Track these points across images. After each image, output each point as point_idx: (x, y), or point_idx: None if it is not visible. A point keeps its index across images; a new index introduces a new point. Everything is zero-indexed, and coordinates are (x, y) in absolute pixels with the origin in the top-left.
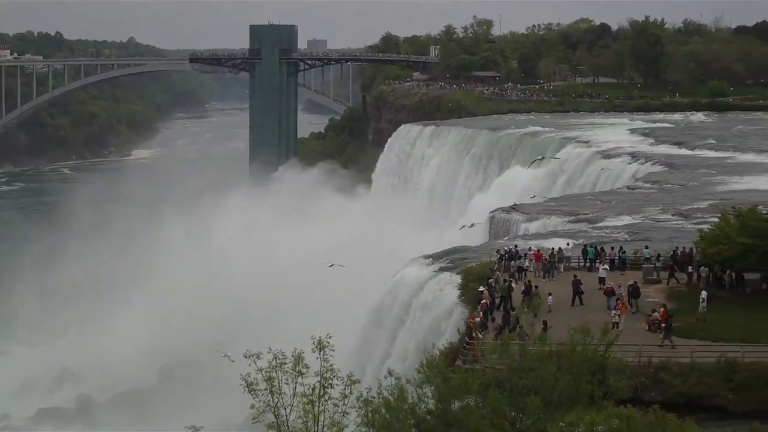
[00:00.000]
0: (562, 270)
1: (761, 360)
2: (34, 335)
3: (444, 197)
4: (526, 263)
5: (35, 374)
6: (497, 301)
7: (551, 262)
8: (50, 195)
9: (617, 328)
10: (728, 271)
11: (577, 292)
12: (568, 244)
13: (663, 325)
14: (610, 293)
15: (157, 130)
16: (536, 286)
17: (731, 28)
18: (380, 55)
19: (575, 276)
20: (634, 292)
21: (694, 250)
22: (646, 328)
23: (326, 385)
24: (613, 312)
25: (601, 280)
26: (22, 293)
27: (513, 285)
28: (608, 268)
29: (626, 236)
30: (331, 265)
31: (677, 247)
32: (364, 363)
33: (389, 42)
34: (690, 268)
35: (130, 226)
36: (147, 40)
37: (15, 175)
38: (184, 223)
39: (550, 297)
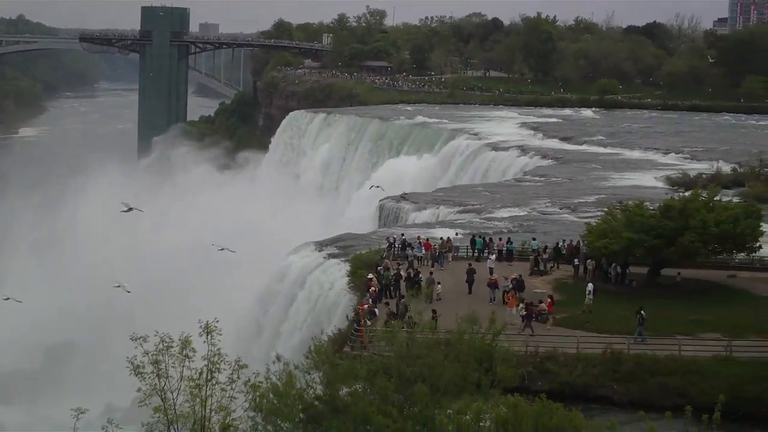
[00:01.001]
0: (450, 259)
1: (646, 352)
2: None
3: (333, 184)
4: (418, 252)
5: None
6: (385, 289)
7: (441, 252)
8: None
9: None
10: (614, 265)
11: (471, 281)
12: (456, 234)
13: (524, 313)
14: (493, 285)
15: (45, 109)
16: (431, 273)
17: (622, 28)
18: (272, 41)
19: (470, 264)
20: (518, 285)
21: (581, 243)
22: (534, 318)
23: (213, 369)
24: (509, 309)
25: (490, 271)
26: None
27: (402, 273)
28: (495, 258)
29: (514, 227)
30: (221, 249)
31: (564, 240)
32: (252, 348)
33: (282, 28)
34: (576, 261)
35: (12, 208)
36: (37, 18)
37: None
38: (70, 206)
39: (439, 285)
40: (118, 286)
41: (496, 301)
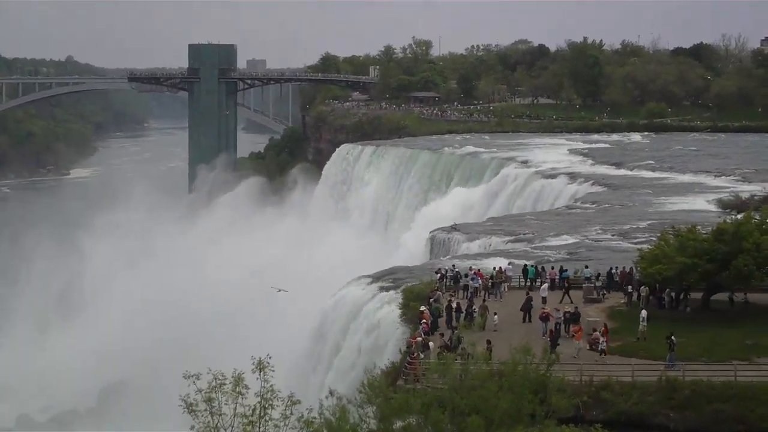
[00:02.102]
0: (505, 289)
1: (701, 378)
2: None
3: (384, 216)
4: (472, 282)
5: None
6: (438, 320)
7: (495, 282)
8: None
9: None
10: (667, 290)
11: (528, 308)
12: (509, 264)
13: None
14: (545, 318)
15: (95, 149)
16: (484, 301)
17: (668, 50)
18: (319, 75)
19: (527, 293)
20: (573, 318)
21: (634, 270)
22: (587, 347)
23: (266, 405)
24: (577, 343)
25: (543, 300)
26: None
27: (453, 304)
28: (548, 287)
29: (566, 255)
30: (278, 291)
31: (616, 267)
32: (305, 383)
33: (328, 62)
34: (630, 288)
35: (69, 246)
36: (85, 59)
37: None
38: (123, 243)
39: (495, 316)
40: (279, 291)
41: (548, 334)
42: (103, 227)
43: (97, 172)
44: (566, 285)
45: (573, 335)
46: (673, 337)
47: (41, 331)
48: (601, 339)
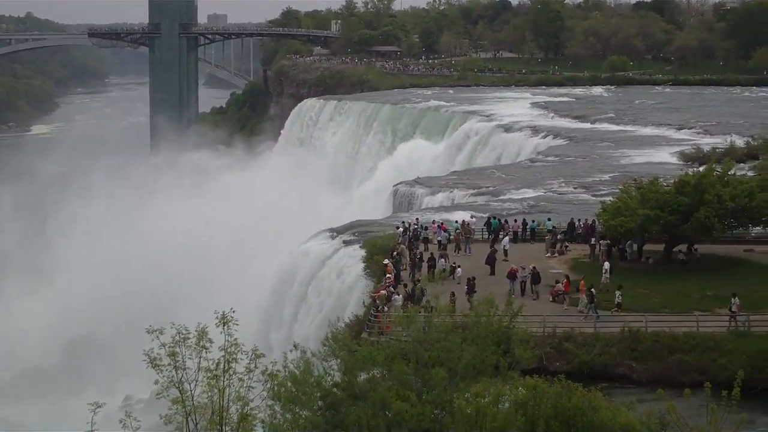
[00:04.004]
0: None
1: (664, 329)
2: None
3: (346, 170)
4: (438, 236)
5: None
6: (401, 273)
7: (467, 237)
8: None
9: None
10: (629, 242)
11: (492, 262)
12: (471, 217)
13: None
14: (513, 276)
15: (57, 106)
16: (442, 256)
17: (630, 3)
18: (281, 29)
19: (491, 247)
20: (534, 278)
21: (597, 222)
22: (551, 299)
23: (231, 359)
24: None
25: (505, 252)
26: None
27: (417, 257)
28: (510, 240)
29: (528, 209)
30: None
31: (579, 219)
32: (269, 337)
33: (290, 16)
34: (593, 240)
35: (31, 203)
36: (45, 15)
37: None
38: (86, 200)
39: (459, 269)
40: None
41: (515, 293)
42: (65, 184)
43: (59, 128)
44: (557, 238)
45: (578, 290)
46: (593, 289)
47: (3, 292)
48: (618, 293)
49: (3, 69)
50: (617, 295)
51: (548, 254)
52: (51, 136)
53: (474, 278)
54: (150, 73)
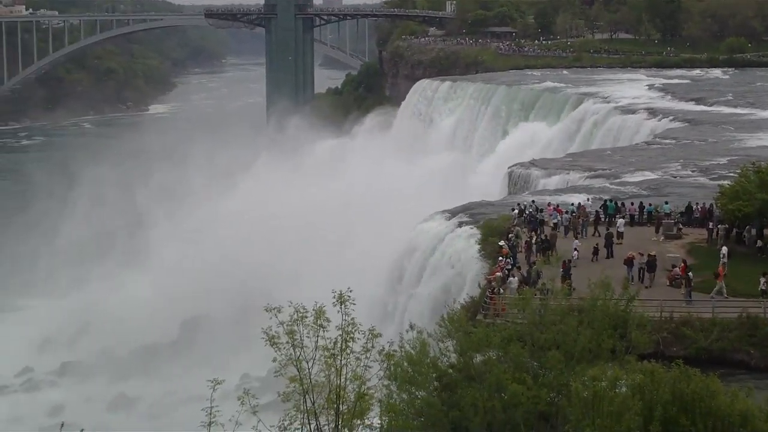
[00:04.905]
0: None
1: None
2: (53, 289)
3: (461, 152)
4: (554, 218)
5: (56, 328)
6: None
7: (584, 220)
8: (70, 149)
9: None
10: (748, 227)
11: (610, 245)
12: (587, 200)
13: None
14: (629, 263)
15: (174, 85)
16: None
17: None
18: (396, 10)
19: (608, 229)
20: (650, 266)
21: (714, 206)
22: (667, 284)
23: (348, 338)
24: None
25: (620, 235)
26: (41, 247)
27: (533, 240)
28: (626, 223)
29: (645, 192)
30: None
31: (696, 203)
32: (385, 317)
33: None
34: (710, 224)
35: (151, 180)
36: None
37: (35, 129)
38: (205, 177)
39: (575, 252)
40: None
41: (634, 281)
42: (181, 163)
43: (176, 107)
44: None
45: (716, 275)
46: (690, 273)
47: (121, 269)
48: (762, 279)
49: (121, 49)
50: (762, 282)
51: (662, 238)
52: (168, 115)
53: (570, 261)
54: (266, 54)
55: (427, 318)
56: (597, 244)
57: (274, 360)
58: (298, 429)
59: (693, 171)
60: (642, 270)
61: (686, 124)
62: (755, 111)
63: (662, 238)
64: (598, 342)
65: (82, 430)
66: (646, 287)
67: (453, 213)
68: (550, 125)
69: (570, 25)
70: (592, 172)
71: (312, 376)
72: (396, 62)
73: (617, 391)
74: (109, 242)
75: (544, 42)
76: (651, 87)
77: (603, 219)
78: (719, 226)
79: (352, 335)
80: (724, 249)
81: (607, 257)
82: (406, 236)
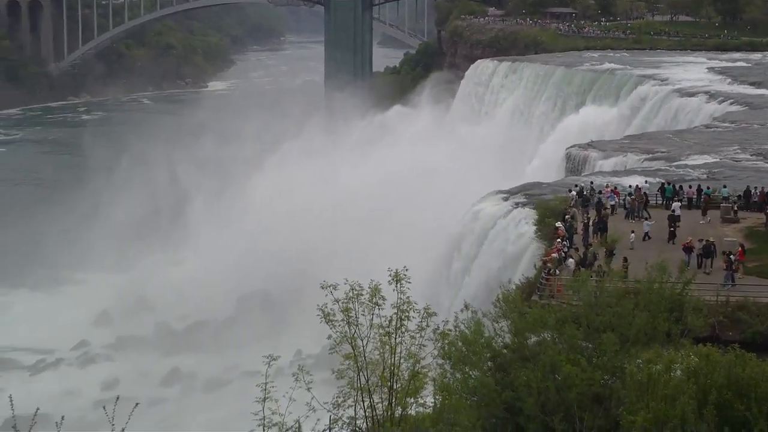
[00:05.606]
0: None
1: None
2: (110, 263)
3: (520, 131)
4: (604, 200)
5: (112, 302)
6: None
7: (641, 202)
8: (129, 125)
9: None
10: None
11: (673, 226)
12: (645, 182)
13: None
14: (689, 250)
15: (233, 62)
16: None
17: None
18: None
19: (673, 211)
20: (707, 252)
21: None
22: (724, 268)
23: (403, 317)
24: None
25: (677, 218)
26: (98, 221)
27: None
28: (681, 206)
29: (704, 175)
30: None
31: (755, 188)
32: (440, 296)
33: None
34: None
35: (209, 156)
36: None
37: (94, 105)
38: (260, 155)
39: (632, 234)
40: None
41: (691, 267)
42: (240, 139)
43: (235, 84)
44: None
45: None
46: (732, 255)
47: (177, 245)
48: None
49: (181, 26)
50: None
51: (709, 220)
52: (227, 92)
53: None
54: (325, 32)
55: (482, 297)
56: (646, 231)
57: (329, 337)
58: (351, 406)
59: (752, 155)
60: (700, 256)
61: (746, 107)
62: None
63: (709, 219)
64: (654, 325)
65: (137, 404)
66: (706, 273)
67: (509, 193)
68: (608, 107)
69: (630, 7)
70: (650, 155)
71: (366, 354)
72: (455, 42)
73: (672, 374)
74: (165, 218)
75: (603, 23)
76: (711, 70)
77: (661, 202)
78: None
79: (407, 314)
80: None
81: (669, 240)
82: (462, 216)
